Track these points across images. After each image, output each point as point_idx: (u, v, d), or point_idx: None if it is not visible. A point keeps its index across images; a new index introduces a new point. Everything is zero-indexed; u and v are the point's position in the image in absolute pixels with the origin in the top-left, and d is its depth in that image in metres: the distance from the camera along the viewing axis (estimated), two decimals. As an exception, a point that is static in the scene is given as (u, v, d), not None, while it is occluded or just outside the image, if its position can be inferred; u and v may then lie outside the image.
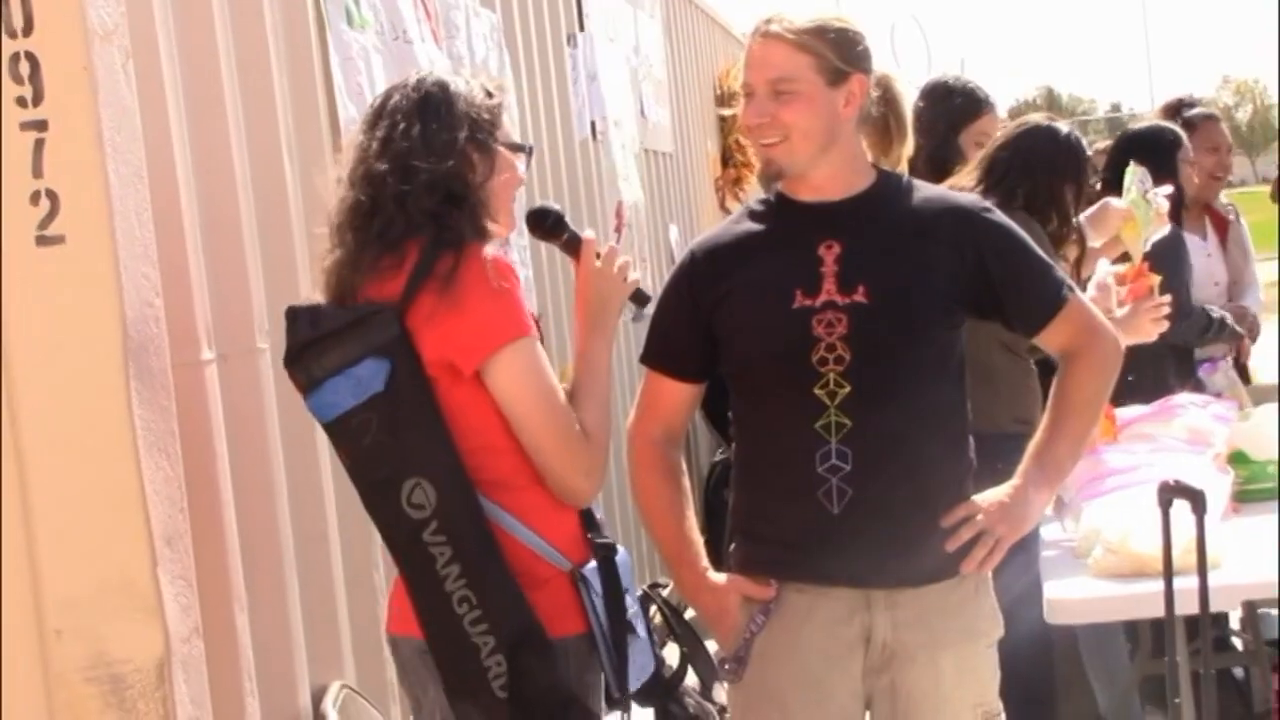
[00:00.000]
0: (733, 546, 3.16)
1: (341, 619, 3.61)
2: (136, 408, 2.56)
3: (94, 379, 2.54)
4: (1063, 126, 4.49)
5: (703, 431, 9.05)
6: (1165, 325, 4.32)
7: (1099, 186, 5.02)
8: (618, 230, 7.50)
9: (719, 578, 3.10)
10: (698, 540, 3.14)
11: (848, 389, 2.94)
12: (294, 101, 3.66)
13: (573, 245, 3.07)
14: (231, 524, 3.10)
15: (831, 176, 3.05)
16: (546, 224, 3.11)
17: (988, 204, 3.21)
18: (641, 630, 3.00)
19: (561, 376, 3.06)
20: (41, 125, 2.52)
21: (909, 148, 4.09)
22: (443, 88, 2.91)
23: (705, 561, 3.12)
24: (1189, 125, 5.74)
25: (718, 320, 3.05)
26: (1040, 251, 3.14)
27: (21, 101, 2.51)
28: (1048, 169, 4.34)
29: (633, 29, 8.49)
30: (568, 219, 3.11)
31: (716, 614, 3.08)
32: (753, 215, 3.15)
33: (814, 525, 2.96)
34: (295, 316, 2.88)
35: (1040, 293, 3.10)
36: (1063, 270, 3.97)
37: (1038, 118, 4.59)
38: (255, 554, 3.20)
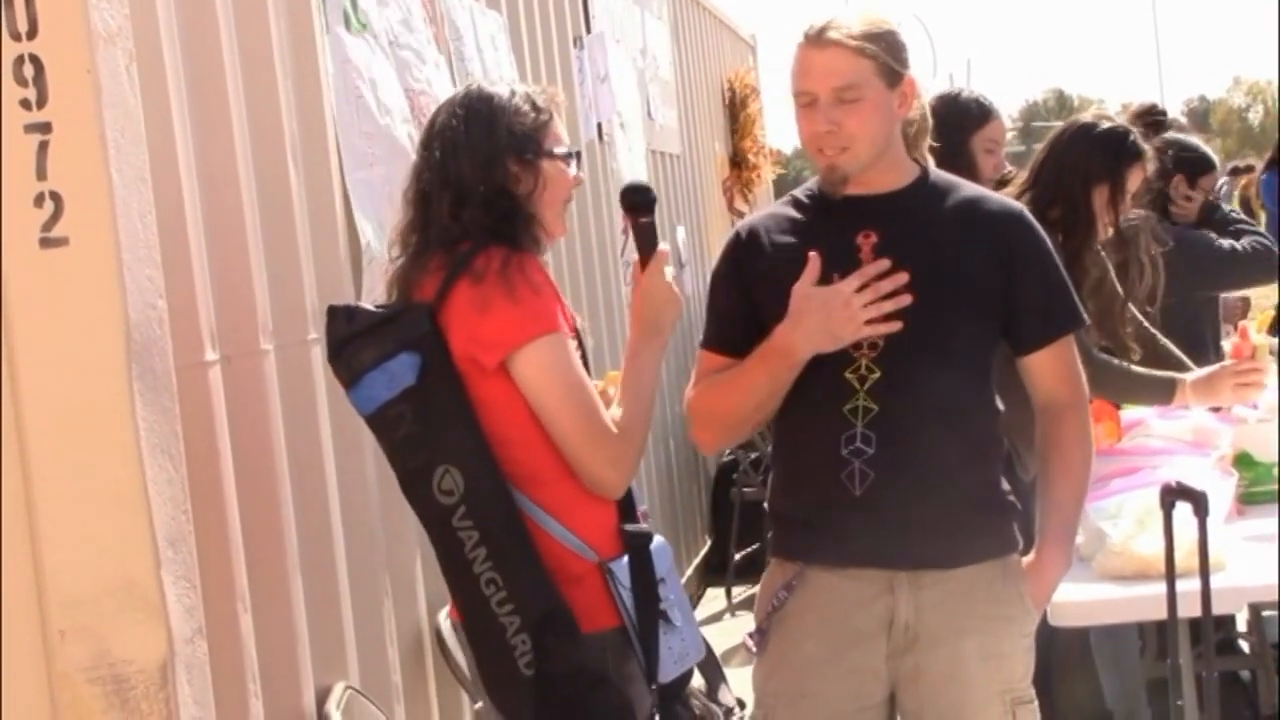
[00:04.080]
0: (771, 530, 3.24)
1: (346, 620, 3.62)
2: (140, 409, 2.56)
3: (97, 381, 2.54)
4: (1103, 122, 4.43)
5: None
6: (1252, 391, 4.28)
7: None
8: (625, 232, 7.51)
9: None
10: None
11: (878, 374, 3.00)
12: (299, 103, 3.67)
13: (648, 234, 3.14)
14: (235, 525, 3.11)
15: (880, 174, 3.11)
16: (642, 200, 3.17)
17: (1025, 210, 3.25)
18: (679, 619, 3.06)
19: (607, 382, 3.19)
20: (45, 128, 2.52)
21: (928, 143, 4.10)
22: (487, 103, 3.03)
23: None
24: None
25: (756, 298, 3.10)
26: (1064, 274, 3.21)
27: (25, 104, 2.51)
28: (1074, 170, 4.33)
29: (640, 30, 8.50)
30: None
31: (811, 306, 2.97)
32: (797, 204, 3.20)
33: (835, 506, 3.03)
34: (334, 314, 3.02)
35: (1049, 310, 3.17)
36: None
37: (1085, 115, 4.57)
38: (259, 555, 3.20)
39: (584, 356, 3.05)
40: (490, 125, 3.01)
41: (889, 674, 3.08)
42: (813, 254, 2.98)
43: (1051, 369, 3.18)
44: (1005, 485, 3.15)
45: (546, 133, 3.07)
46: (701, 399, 3.17)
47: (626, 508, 3.07)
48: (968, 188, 3.25)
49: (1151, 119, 5.81)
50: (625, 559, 3.01)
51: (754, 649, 3.15)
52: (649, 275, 3.11)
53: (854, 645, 3.05)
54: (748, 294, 3.12)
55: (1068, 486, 3.18)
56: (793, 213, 3.18)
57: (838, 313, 2.93)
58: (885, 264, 2.96)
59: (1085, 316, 3.27)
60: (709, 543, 9.02)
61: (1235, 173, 15.58)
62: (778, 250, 3.10)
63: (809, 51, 3.05)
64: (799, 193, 3.24)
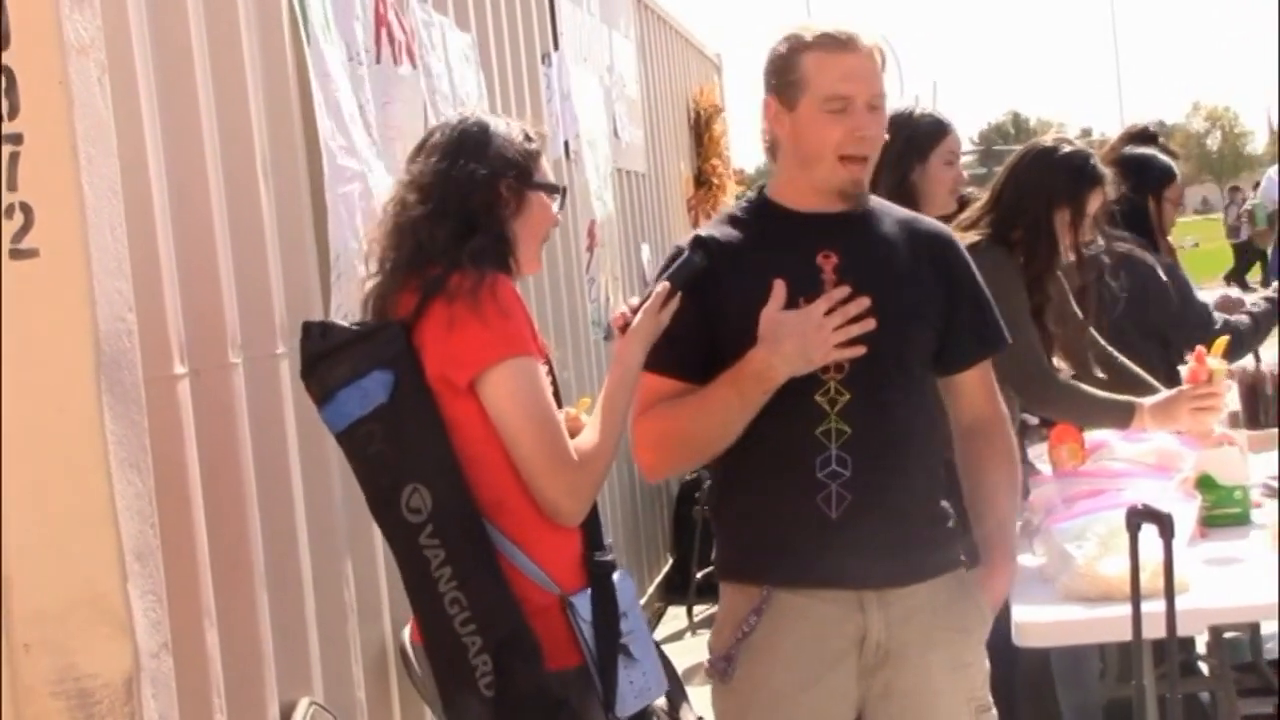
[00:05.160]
0: (718, 554, 3.19)
1: (311, 636, 3.61)
2: (109, 422, 2.55)
3: (66, 393, 2.53)
4: (1063, 146, 4.45)
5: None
6: (1211, 416, 4.29)
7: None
8: (589, 249, 7.51)
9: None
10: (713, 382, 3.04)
11: (848, 396, 3.01)
12: (269, 117, 3.67)
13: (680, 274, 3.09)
14: (202, 539, 3.10)
15: None
16: (696, 261, 3.10)
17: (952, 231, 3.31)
18: (640, 653, 3.06)
19: (580, 408, 3.20)
20: (16, 139, 2.51)
21: None
22: (481, 127, 3.07)
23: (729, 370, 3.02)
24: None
25: (719, 325, 3.05)
26: (989, 296, 3.26)
27: (-4, 114, 2.50)
28: (1036, 193, 4.35)
29: (607, 49, 8.52)
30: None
31: (785, 331, 2.95)
32: (739, 222, 3.16)
33: (812, 530, 3.01)
34: (308, 330, 3.01)
35: (981, 329, 3.23)
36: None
37: (1046, 138, 4.60)
38: (225, 570, 3.19)
39: (554, 385, 3.04)
40: (484, 148, 3.03)
41: (858, 694, 3.08)
42: (778, 281, 2.97)
43: (980, 387, 3.26)
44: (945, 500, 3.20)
45: (536, 163, 3.10)
46: (659, 423, 3.08)
47: (593, 537, 3.05)
48: (898, 209, 3.28)
49: (1143, 141, 5.88)
50: (587, 592, 3.00)
51: (720, 678, 3.10)
52: (652, 324, 3.06)
53: (827, 667, 3.04)
54: (707, 317, 3.06)
55: (1007, 499, 3.27)
56: (738, 232, 3.14)
57: (812, 335, 2.93)
58: (846, 290, 2.97)
59: (1009, 337, 3.30)
60: (670, 561, 9.01)
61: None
62: (739, 273, 3.06)
63: (848, 56, 3.03)
64: (737, 211, 3.21)
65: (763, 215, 3.15)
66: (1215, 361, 4.33)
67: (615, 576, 3.06)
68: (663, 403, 3.07)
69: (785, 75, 3.07)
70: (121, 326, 2.63)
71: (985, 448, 3.25)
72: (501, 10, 6.34)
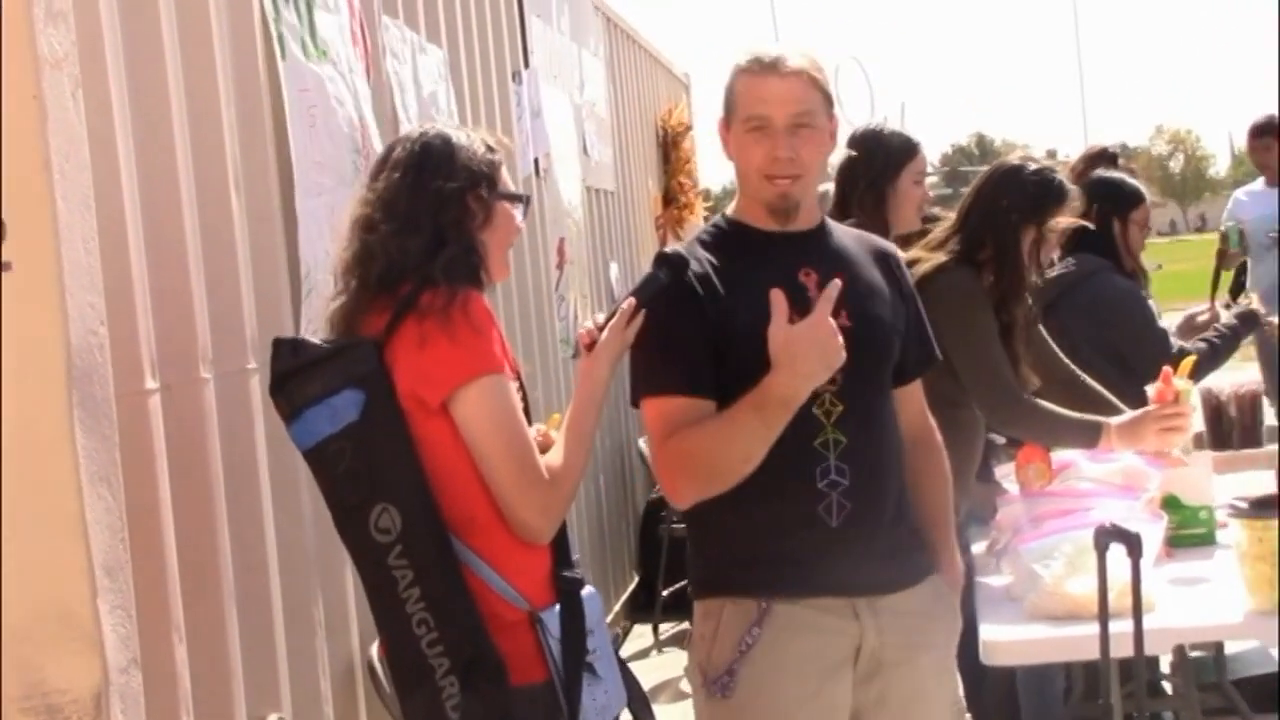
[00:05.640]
0: (703, 572, 3.17)
1: (280, 652, 3.60)
2: (80, 437, 2.54)
3: (37, 407, 2.52)
4: (1029, 165, 4.47)
5: (639, 468, 9.07)
6: (1177, 437, 4.32)
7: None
8: (559, 266, 7.51)
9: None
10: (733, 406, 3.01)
11: (841, 408, 3.05)
12: (241, 133, 3.66)
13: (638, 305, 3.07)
14: (172, 555, 3.09)
15: (808, 210, 3.18)
16: (661, 277, 3.09)
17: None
18: (604, 670, 3.06)
19: (550, 425, 3.19)
20: (-10, 152, 2.50)
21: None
22: (445, 140, 3.05)
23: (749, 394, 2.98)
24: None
25: (727, 348, 3.04)
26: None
27: (-30, 129, 2.50)
28: (1004, 212, 4.37)
29: (577, 67, 8.53)
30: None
31: (802, 347, 2.92)
32: (716, 246, 3.15)
33: (813, 540, 3.05)
34: (279, 347, 2.98)
35: (924, 343, 3.34)
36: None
37: (1012, 157, 4.62)
38: (194, 585, 3.18)
39: (525, 402, 3.03)
40: (450, 161, 3.02)
41: (854, 704, 3.10)
42: (775, 291, 2.95)
43: (918, 399, 3.36)
44: None
45: (499, 174, 3.10)
46: (683, 448, 3.02)
47: (561, 554, 3.05)
48: (845, 227, 3.34)
49: (1103, 162, 5.93)
50: (556, 608, 3.00)
51: (719, 693, 3.06)
52: (620, 340, 3.05)
53: (828, 677, 3.06)
54: (713, 338, 3.04)
55: (948, 502, 3.39)
56: (720, 256, 3.13)
57: (829, 343, 2.93)
58: (839, 285, 2.98)
59: (940, 354, 3.41)
60: (636, 579, 9.01)
61: None
62: (731, 294, 3.06)
63: (767, 78, 3.07)
64: (707, 236, 3.21)
65: (738, 237, 3.17)
66: (1182, 382, 4.36)
67: (584, 593, 3.06)
68: (684, 428, 3.01)
69: (726, 98, 3.16)
70: (93, 340, 2.62)
71: (927, 453, 3.35)
72: (473, 28, 6.35)
